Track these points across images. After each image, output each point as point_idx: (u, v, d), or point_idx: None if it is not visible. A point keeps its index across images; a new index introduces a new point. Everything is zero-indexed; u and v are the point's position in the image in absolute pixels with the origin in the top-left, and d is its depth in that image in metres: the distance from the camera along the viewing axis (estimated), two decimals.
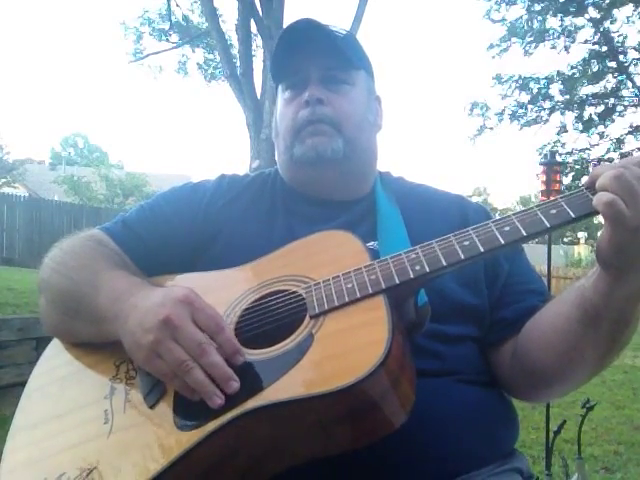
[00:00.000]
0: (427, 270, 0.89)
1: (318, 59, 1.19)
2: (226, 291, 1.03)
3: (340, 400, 0.77)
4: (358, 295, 0.89)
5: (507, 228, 0.88)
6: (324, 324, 0.89)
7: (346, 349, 0.83)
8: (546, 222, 0.86)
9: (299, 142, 1.19)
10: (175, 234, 1.18)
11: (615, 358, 0.99)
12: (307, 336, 0.88)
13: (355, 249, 0.99)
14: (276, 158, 1.30)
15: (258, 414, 0.80)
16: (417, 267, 0.90)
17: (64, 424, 0.96)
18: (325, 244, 1.04)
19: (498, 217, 0.92)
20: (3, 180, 24.55)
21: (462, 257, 0.88)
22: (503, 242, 0.87)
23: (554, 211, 0.86)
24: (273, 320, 0.95)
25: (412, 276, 0.89)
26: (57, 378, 1.06)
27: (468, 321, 1.08)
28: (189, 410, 0.86)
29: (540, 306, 1.06)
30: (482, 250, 0.88)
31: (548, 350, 0.99)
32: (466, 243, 0.89)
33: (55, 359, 1.11)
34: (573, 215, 0.85)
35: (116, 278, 1.03)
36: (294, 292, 0.96)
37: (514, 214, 0.90)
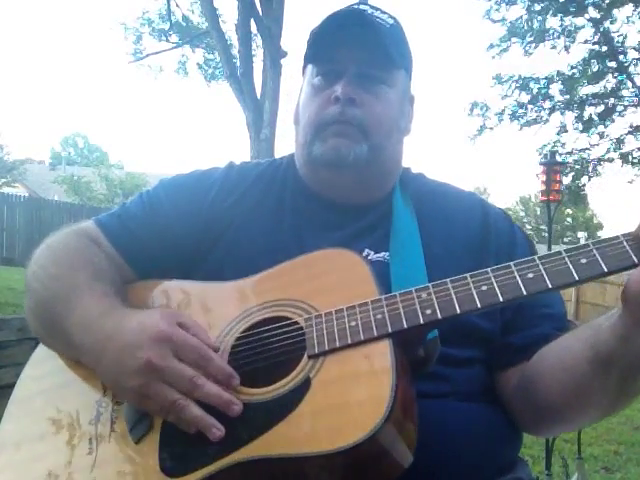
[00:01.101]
0: (439, 317, 0.82)
1: (359, 52, 1.08)
2: (220, 310, 0.98)
3: (340, 460, 0.74)
4: (362, 337, 0.83)
5: (531, 275, 0.81)
6: (323, 367, 0.83)
7: (346, 402, 0.78)
8: (575, 274, 0.78)
9: (320, 140, 1.10)
10: (174, 235, 1.11)
11: (626, 405, 0.93)
12: (304, 380, 0.82)
13: (363, 276, 0.92)
14: (294, 146, 1.22)
15: (249, 466, 0.77)
16: (428, 311, 0.83)
17: (47, 447, 0.93)
18: (332, 265, 0.96)
19: (521, 259, 0.84)
20: (3, 180, 24.57)
21: (479, 305, 0.81)
22: (525, 293, 0.80)
23: (584, 260, 0.79)
24: (269, 355, 0.90)
25: (422, 322, 0.83)
26: (43, 389, 1.02)
27: (478, 344, 1.03)
28: (176, 453, 0.83)
29: (554, 334, 0.99)
30: (501, 300, 0.81)
31: (554, 386, 0.93)
32: (484, 288, 0.82)
33: (44, 364, 1.06)
34: (606, 269, 0.77)
35: (89, 299, 0.97)
36: (294, 322, 0.90)
37: (539, 258, 0.82)
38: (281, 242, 1.08)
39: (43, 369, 1.06)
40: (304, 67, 1.19)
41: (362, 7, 1.11)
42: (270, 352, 0.90)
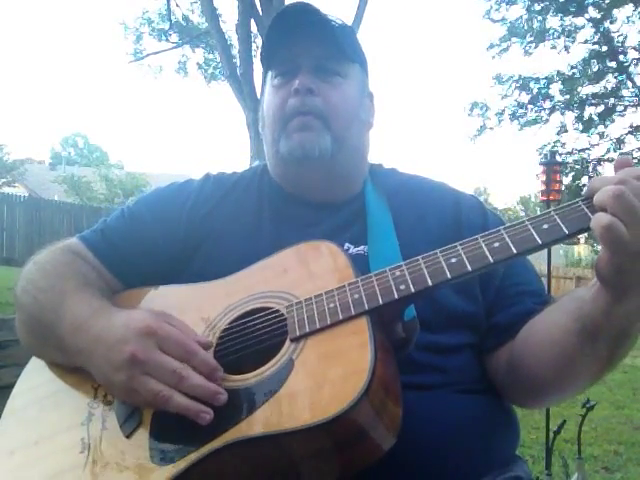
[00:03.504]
0: (412, 290, 0.85)
1: (312, 47, 1.13)
2: (205, 308, 1.00)
3: (322, 434, 0.75)
4: (340, 317, 0.86)
5: (496, 244, 0.84)
6: (305, 348, 0.85)
7: (327, 378, 0.80)
8: (538, 238, 0.81)
9: (285, 136, 1.12)
10: (156, 245, 1.14)
11: (613, 369, 0.95)
12: (287, 362, 0.85)
13: (340, 263, 0.96)
14: (265, 151, 1.23)
15: (236, 448, 0.79)
16: (402, 287, 0.86)
17: (41, 451, 0.94)
18: (310, 257, 1.00)
19: (487, 231, 0.87)
20: (3, 180, 24.52)
21: (449, 276, 0.84)
22: (492, 260, 0.83)
23: (546, 226, 0.81)
24: (253, 343, 0.92)
25: (396, 297, 0.86)
26: (36, 399, 1.03)
27: (464, 329, 1.05)
28: (165, 443, 0.85)
29: (536, 309, 1.02)
30: (470, 269, 0.84)
31: (544, 360, 0.95)
32: (453, 260, 0.85)
33: (36, 376, 1.08)
34: (567, 231, 0.80)
35: (79, 303, 1.00)
36: (275, 310, 0.93)
37: (504, 228, 0.85)
38: (261, 247, 1.08)
39: (35, 381, 1.07)
40: (264, 76, 1.22)
41: (308, 6, 1.14)
42: (254, 339, 0.92)
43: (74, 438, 0.92)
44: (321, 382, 0.80)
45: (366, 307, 0.86)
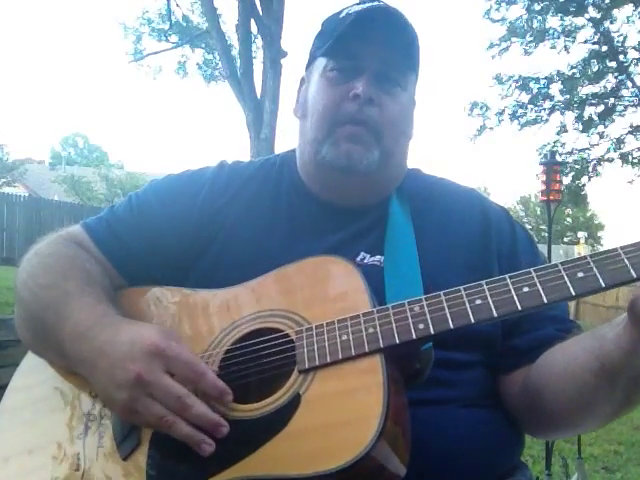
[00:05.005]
0: (432, 332, 0.80)
1: (382, 50, 1.05)
2: (209, 320, 0.97)
3: (332, 479, 0.72)
4: (353, 353, 0.81)
5: (526, 289, 0.79)
6: (313, 383, 0.81)
7: (336, 420, 0.77)
8: (571, 289, 0.77)
9: (333, 143, 1.05)
10: (164, 242, 1.09)
11: (630, 411, 0.93)
12: (294, 396, 0.80)
13: (355, 286, 0.90)
14: (296, 141, 1.17)
15: None
16: (420, 326, 0.81)
17: (35, 462, 0.92)
18: (324, 274, 0.94)
19: (516, 272, 0.81)
20: (3, 180, 24.49)
21: (472, 320, 0.80)
22: (520, 308, 0.78)
23: (581, 274, 0.77)
24: (260, 370, 0.88)
25: (414, 337, 0.81)
26: (32, 400, 1.00)
27: (478, 347, 1.01)
28: (163, 470, 0.83)
29: (558, 335, 0.98)
30: (495, 315, 0.79)
31: (559, 394, 0.92)
32: (478, 302, 0.80)
33: (32, 374, 1.05)
34: (603, 284, 0.75)
35: (82, 308, 0.94)
36: (284, 335, 0.88)
37: (535, 270, 0.80)
38: (273, 248, 1.05)
39: (32, 379, 1.04)
40: (312, 59, 1.14)
41: (391, 8, 1.07)
42: (260, 366, 0.88)
43: (69, 452, 0.90)
44: (330, 423, 0.77)
45: (381, 345, 0.81)
